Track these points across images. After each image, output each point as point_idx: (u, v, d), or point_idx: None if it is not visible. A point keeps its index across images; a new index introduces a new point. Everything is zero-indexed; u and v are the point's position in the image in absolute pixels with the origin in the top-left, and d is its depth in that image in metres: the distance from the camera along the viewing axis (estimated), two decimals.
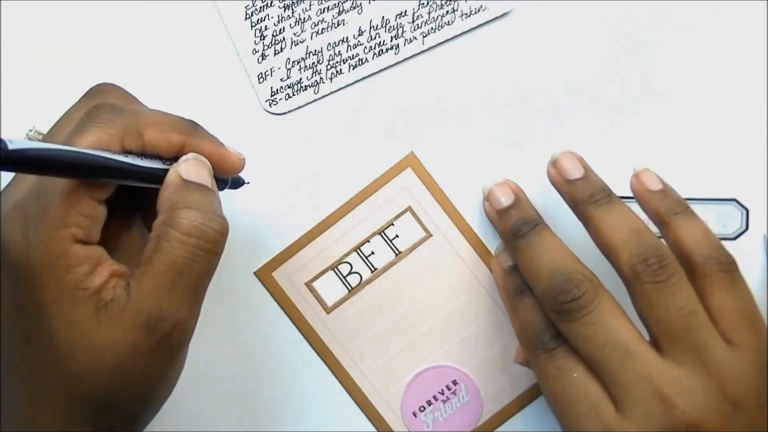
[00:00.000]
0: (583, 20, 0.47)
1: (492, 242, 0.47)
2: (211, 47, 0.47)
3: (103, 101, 0.36)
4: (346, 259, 0.47)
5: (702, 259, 0.39)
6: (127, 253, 0.37)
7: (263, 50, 0.47)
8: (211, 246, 0.35)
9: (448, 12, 0.46)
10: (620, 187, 0.46)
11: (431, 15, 0.47)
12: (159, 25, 0.47)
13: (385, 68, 0.47)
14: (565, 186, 0.43)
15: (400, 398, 0.47)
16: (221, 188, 0.40)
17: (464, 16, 0.46)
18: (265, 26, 0.47)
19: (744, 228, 0.47)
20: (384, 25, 0.47)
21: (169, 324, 0.34)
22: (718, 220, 0.47)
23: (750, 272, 0.47)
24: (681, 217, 0.41)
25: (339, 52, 0.47)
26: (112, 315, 0.34)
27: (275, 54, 0.47)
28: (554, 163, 0.43)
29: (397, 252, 0.47)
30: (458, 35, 0.47)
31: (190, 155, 0.37)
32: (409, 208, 0.47)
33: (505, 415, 0.47)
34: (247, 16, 0.47)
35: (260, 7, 0.47)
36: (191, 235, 0.35)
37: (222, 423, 0.47)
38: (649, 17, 0.47)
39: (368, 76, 0.47)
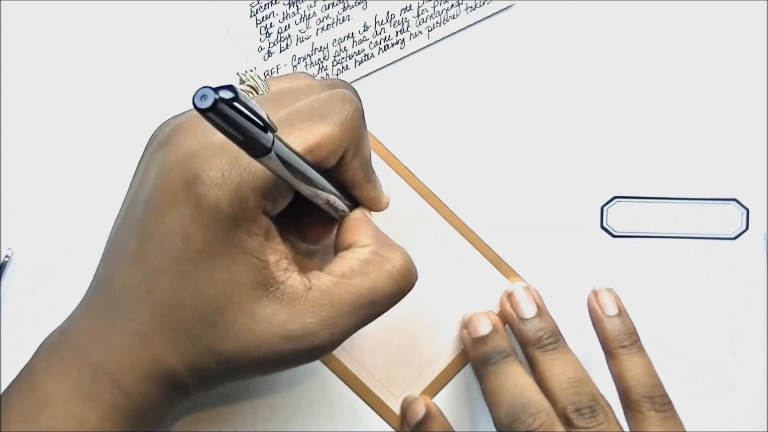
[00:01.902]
0: (585, 18, 0.47)
1: (433, 182, 0.47)
2: (217, 46, 0.47)
3: (351, 93, 0.36)
4: None
5: (638, 397, 0.42)
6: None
7: (269, 48, 0.47)
8: (408, 291, 0.37)
9: (453, 5, 0.47)
10: (620, 186, 0.47)
11: (436, 9, 0.47)
12: (164, 24, 0.47)
13: (391, 63, 0.47)
14: (517, 323, 0.45)
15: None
16: None
17: (469, 9, 0.47)
18: (270, 23, 0.47)
19: (744, 228, 0.47)
20: (389, 19, 0.47)
21: (326, 341, 0.35)
22: (718, 220, 0.47)
23: (750, 272, 0.47)
24: (627, 351, 0.43)
25: (344, 47, 0.47)
26: (282, 296, 0.34)
27: (281, 51, 0.47)
28: (509, 297, 0.46)
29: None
30: (464, 28, 0.47)
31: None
32: None
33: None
34: (252, 14, 0.47)
35: (265, 5, 0.47)
36: (402, 275, 0.36)
37: (222, 423, 0.46)
38: (649, 16, 0.47)
39: (374, 71, 0.47)
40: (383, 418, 0.47)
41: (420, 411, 0.45)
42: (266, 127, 0.29)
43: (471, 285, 0.47)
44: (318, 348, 0.35)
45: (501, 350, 0.44)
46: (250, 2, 0.47)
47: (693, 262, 0.47)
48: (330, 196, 0.36)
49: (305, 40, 0.47)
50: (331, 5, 0.47)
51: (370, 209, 0.40)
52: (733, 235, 0.47)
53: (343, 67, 0.47)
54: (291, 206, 0.36)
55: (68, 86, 0.47)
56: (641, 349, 0.43)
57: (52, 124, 0.47)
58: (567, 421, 0.41)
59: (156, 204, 0.34)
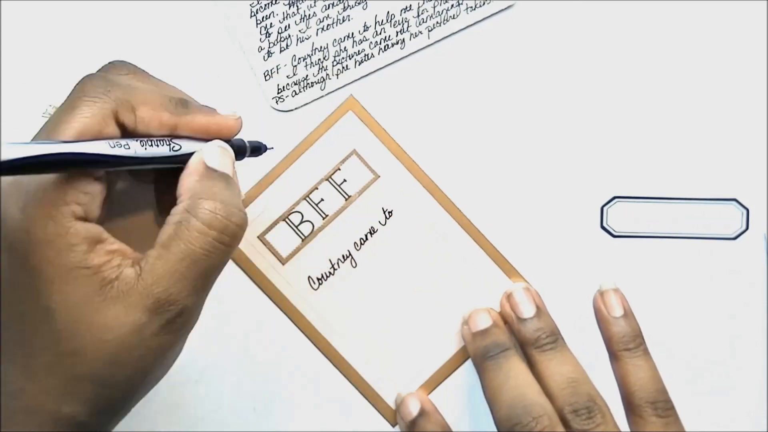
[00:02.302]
0: (585, 18, 0.47)
1: (440, 178, 0.47)
2: (217, 46, 0.47)
3: (89, 75, 0.36)
4: (296, 209, 0.47)
5: (641, 402, 0.42)
6: (128, 230, 0.37)
7: (269, 48, 0.47)
8: (229, 240, 0.35)
9: (453, 5, 0.47)
10: (620, 186, 0.47)
11: (436, 9, 0.47)
12: (164, 24, 0.47)
13: (391, 63, 0.47)
14: (516, 324, 0.45)
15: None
16: (240, 158, 0.40)
17: (469, 9, 0.47)
18: (270, 24, 0.47)
19: (744, 228, 0.47)
20: (389, 19, 0.47)
21: (176, 309, 0.34)
22: (718, 220, 0.47)
23: (750, 272, 0.47)
24: (632, 353, 0.43)
25: (345, 48, 0.47)
26: (118, 294, 0.34)
27: (281, 51, 0.47)
28: (509, 297, 0.46)
29: (346, 196, 0.47)
30: (464, 28, 0.47)
31: (215, 143, 0.38)
32: (354, 151, 0.47)
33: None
34: (252, 14, 0.47)
35: (265, 5, 0.47)
36: (212, 227, 0.35)
37: (221, 423, 0.47)
38: (649, 16, 0.47)
39: (374, 71, 0.47)
40: (381, 414, 0.47)
41: (414, 407, 0.46)
42: None
43: (472, 282, 0.47)
44: (173, 324, 0.34)
45: (500, 343, 0.44)
46: (250, 2, 0.47)
47: (693, 262, 0.47)
48: (145, 152, 0.35)
49: (305, 40, 0.47)
50: (331, 5, 0.47)
51: (224, 139, 0.38)
52: (733, 235, 0.47)
53: (343, 67, 0.47)
54: (162, 179, 0.36)
55: (69, 87, 0.47)
56: (646, 352, 0.43)
57: None
58: (564, 422, 0.41)
59: None
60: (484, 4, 0.47)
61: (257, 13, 0.47)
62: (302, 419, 0.47)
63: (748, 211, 0.47)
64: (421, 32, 0.47)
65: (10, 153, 0.31)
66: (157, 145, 0.36)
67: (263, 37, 0.47)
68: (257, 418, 0.47)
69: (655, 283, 0.47)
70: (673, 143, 0.47)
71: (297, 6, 0.47)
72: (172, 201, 0.36)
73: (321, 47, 0.47)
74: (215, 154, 0.37)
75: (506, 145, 0.47)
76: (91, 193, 0.34)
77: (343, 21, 0.47)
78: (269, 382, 0.47)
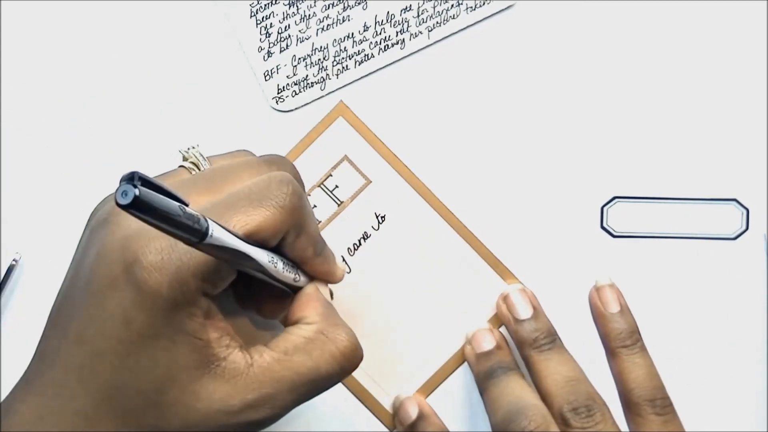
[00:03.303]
0: (586, 18, 0.47)
1: (433, 182, 0.47)
2: (217, 46, 0.47)
3: (289, 176, 0.36)
4: None
5: (639, 400, 0.42)
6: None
7: (269, 48, 0.47)
8: (350, 372, 0.37)
9: (453, 5, 0.47)
10: (620, 186, 0.47)
11: (436, 9, 0.47)
12: (164, 24, 0.47)
13: (391, 63, 0.47)
14: (513, 325, 0.45)
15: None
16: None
17: (469, 9, 0.47)
18: (270, 24, 0.47)
19: (744, 228, 0.47)
20: (389, 20, 0.47)
21: (269, 414, 0.35)
22: (718, 220, 0.47)
23: (750, 272, 0.47)
24: (629, 350, 0.43)
25: (345, 48, 0.47)
26: (223, 374, 0.34)
27: (281, 51, 0.47)
28: (505, 299, 0.46)
29: (338, 202, 0.47)
30: (464, 28, 0.47)
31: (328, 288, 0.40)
32: (345, 157, 0.47)
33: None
34: (252, 14, 0.47)
35: (265, 5, 0.47)
36: (345, 357, 0.36)
37: None
38: (649, 16, 0.47)
39: (374, 71, 0.47)
40: (377, 417, 0.47)
41: (413, 411, 0.46)
42: (189, 217, 0.29)
43: (467, 286, 0.47)
44: (257, 422, 0.35)
45: (504, 365, 0.44)
46: (250, 2, 0.47)
47: (693, 262, 0.47)
48: (280, 273, 0.36)
49: (305, 40, 0.47)
50: (331, 5, 0.47)
51: (326, 282, 0.40)
52: (733, 235, 0.47)
53: (343, 67, 0.47)
54: (247, 279, 0.36)
55: (69, 88, 0.47)
56: (643, 348, 0.43)
57: (55, 126, 0.47)
58: (563, 421, 0.41)
59: (96, 286, 0.34)
60: (484, 4, 0.47)
61: (257, 13, 0.47)
62: (300, 424, 0.47)
63: (748, 211, 0.47)
64: (421, 32, 0.47)
65: (217, 235, 0.31)
66: (289, 272, 0.37)
67: (263, 37, 0.47)
68: None
69: (655, 283, 0.47)
70: (673, 143, 0.47)
71: (297, 6, 0.47)
72: (249, 301, 0.38)
73: (321, 47, 0.47)
74: (327, 294, 0.39)
75: (506, 145, 0.47)
76: (225, 279, 0.35)
77: (343, 21, 0.47)
78: None
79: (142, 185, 0.27)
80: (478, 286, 0.47)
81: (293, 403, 0.36)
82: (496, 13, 0.47)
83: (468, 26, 0.47)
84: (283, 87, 0.47)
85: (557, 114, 0.47)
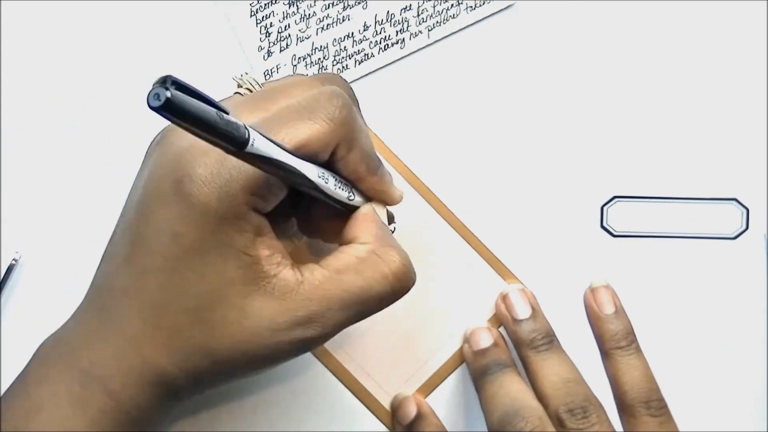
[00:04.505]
0: (586, 18, 0.47)
1: (433, 182, 0.47)
2: (217, 45, 0.47)
3: (340, 90, 0.36)
4: None
5: (634, 402, 0.42)
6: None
7: (269, 47, 0.47)
8: (401, 294, 0.37)
9: (453, 5, 0.47)
10: (620, 186, 0.47)
11: (436, 8, 0.47)
12: (164, 24, 0.47)
13: (391, 63, 0.47)
14: (511, 325, 0.45)
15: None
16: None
17: (469, 9, 0.47)
18: (270, 23, 0.47)
19: (744, 228, 0.47)
20: (389, 19, 0.47)
21: (319, 332, 0.35)
22: (718, 220, 0.47)
23: (750, 272, 0.47)
24: (624, 351, 0.43)
25: (344, 47, 0.47)
26: (273, 290, 0.34)
27: (281, 51, 0.47)
28: (504, 299, 0.46)
29: None
30: (464, 28, 0.47)
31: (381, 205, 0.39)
32: None
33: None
34: (252, 14, 0.47)
35: (265, 4, 0.47)
36: (397, 277, 0.36)
37: (218, 422, 0.47)
38: (649, 16, 0.47)
39: (374, 71, 0.47)
40: (377, 417, 0.47)
41: (411, 411, 0.46)
42: (229, 124, 0.29)
43: (467, 285, 0.47)
44: (307, 341, 0.35)
45: (500, 362, 0.44)
46: (250, 2, 0.47)
47: (693, 262, 0.47)
48: (331, 190, 0.36)
49: (305, 40, 0.47)
50: (331, 5, 0.47)
51: (384, 203, 0.39)
52: (733, 235, 0.47)
53: (343, 67, 0.47)
54: (308, 203, 0.36)
55: (69, 87, 0.47)
56: (638, 350, 0.43)
57: (55, 126, 0.47)
58: (559, 422, 0.41)
59: (146, 205, 0.34)
60: (484, 3, 0.47)
61: (257, 12, 0.47)
62: (299, 423, 0.47)
63: (748, 211, 0.47)
64: (421, 32, 0.47)
65: (259, 145, 0.31)
66: (343, 190, 0.37)
67: (263, 36, 0.47)
68: (256, 421, 0.47)
69: (655, 283, 0.47)
70: (673, 143, 0.47)
71: (297, 6, 0.47)
72: (310, 225, 0.38)
73: (321, 47, 0.47)
74: (384, 216, 0.39)
75: (506, 145, 0.47)
76: (276, 195, 0.35)
77: (343, 21, 0.47)
78: (267, 386, 0.47)
79: (176, 89, 0.27)
80: (478, 286, 0.47)
81: (342, 322, 0.35)
82: (496, 12, 0.47)
83: (468, 26, 0.47)
84: None
85: (557, 114, 0.47)
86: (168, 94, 0.26)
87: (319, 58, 0.47)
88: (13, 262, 0.46)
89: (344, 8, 0.47)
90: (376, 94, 0.47)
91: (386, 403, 0.47)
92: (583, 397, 0.41)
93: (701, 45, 0.47)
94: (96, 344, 0.35)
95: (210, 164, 0.33)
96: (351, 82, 0.47)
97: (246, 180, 0.33)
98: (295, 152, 0.34)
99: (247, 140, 0.30)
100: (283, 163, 0.32)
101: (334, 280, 0.35)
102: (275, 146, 0.32)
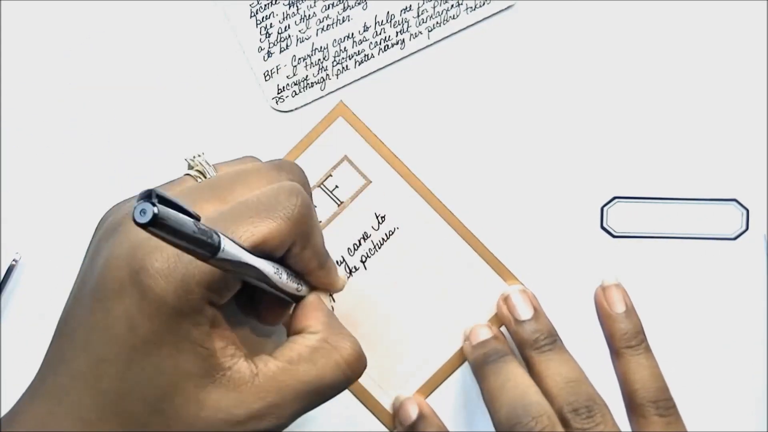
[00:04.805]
0: (586, 18, 0.47)
1: (433, 182, 0.47)
2: (217, 46, 0.47)
3: (299, 186, 0.36)
4: None
5: (643, 401, 0.42)
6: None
7: (269, 48, 0.47)
8: (353, 381, 0.37)
9: (453, 5, 0.47)
10: (620, 186, 0.47)
11: (436, 9, 0.47)
12: (164, 24, 0.47)
13: (391, 63, 0.47)
14: (513, 326, 0.45)
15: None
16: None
17: (469, 10, 0.47)
18: (270, 24, 0.47)
19: (744, 228, 0.47)
20: (389, 20, 0.47)
21: (274, 424, 0.35)
22: (718, 220, 0.47)
23: (750, 272, 0.47)
24: (634, 351, 0.43)
25: (344, 48, 0.47)
26: (228, 383, 0.34)
27: (281, 51, 0.47)
28: (506, 300, 0.46)
29: (338, 202, 0.47)
30: (464, 28, 0.47)
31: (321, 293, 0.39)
32: (345, 157, 0.47)
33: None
34: (252, 14, 0.47)
35: (265, 5, 0.47)
36: (350, 366, 0.36)
37: None
38: (649, 16, 0.47)
39: (374, 71, 0.47)
40: (377, 418, 0.47)
41: (413, 411, 0.46)
42: (203, 233, 0.29)
43: (467, 286, 0.47)
44: None
45: (500, 351, 0.44)
46: (250, 2, 0.47)
47: (693, 262, 0.47)
48: (284, 284, 0.36)
49: (305, 40, 0.47)
50: (331, 5, 0.47)
51: (327, 291, 0.40)
52: (733, 236, 0.47)
53: (343, 67, 0.47)
54: (249, 288, 0.36)
55: (69, 87, 0.47)
56: (648, 349, 0.43)
57: (55, 126, 0.47)
58: (564, 422, 0.41)
59: (103, 293, 0.34)
60: (484, 4, 0.47)
61: (257, 13, 0.47)
62: (299, 423, 0.47)
63: (748, 211, 0.47)
64: (421, 32, 0.47)
65: (228, 249, 0.31)
66: (294, 283, 0.37)
67: (263, 37, 0.47)
68: None
69: (655, 283, 0.47)
70: (673, 143, 0.47)
71: (297, 6, 0.47)
72: (250, 309, 0.38)
73: (321, 47, 0.47)
74: (329, 303, 0.40)
75: (506, 146, 0.47)
76: (230, 289, 0.35)
77: (343, 21, 0.47)
78: None
79: (159, 202, 0.27)
80: (478, 287, 0.47)
81: (297, 412, 0.36)
82: (496, 13, 0.47)
83: (468, 26, 0.47)
84: (283, 87, 0.47)
85: (557, 114, 0.47)
86: (155, 210, 0.27)
87: (319, 59, 0.47)
88: (13, 262, 0.46)
89: (344, 9, 0.47)
90: (376, 94, 0.47)
91: (386, 404, 0.47)
92: (587, 396, 0.41)
93: (701, 45, 0.47)
94: (51, 426, 0.35)
95: (167, 258, 0.33)
96: (351, 82, 0.47)
97: (202, 275, 0.33)
98: (253, 250, 0.34)
99: (218, 247, 0.30)
100: (246, 263, 0.33)
101: (288, 371, 0.35)
102: (239, 248, 0.32)
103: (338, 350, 0.36)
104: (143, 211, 0.27)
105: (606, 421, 0.41)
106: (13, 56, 0.47)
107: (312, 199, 0.38)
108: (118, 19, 0.47)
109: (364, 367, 0.37)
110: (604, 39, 0.47)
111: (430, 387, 0.47)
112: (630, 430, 0.43)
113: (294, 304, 0.38)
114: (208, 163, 0.38)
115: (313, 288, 0.39)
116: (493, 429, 0.41)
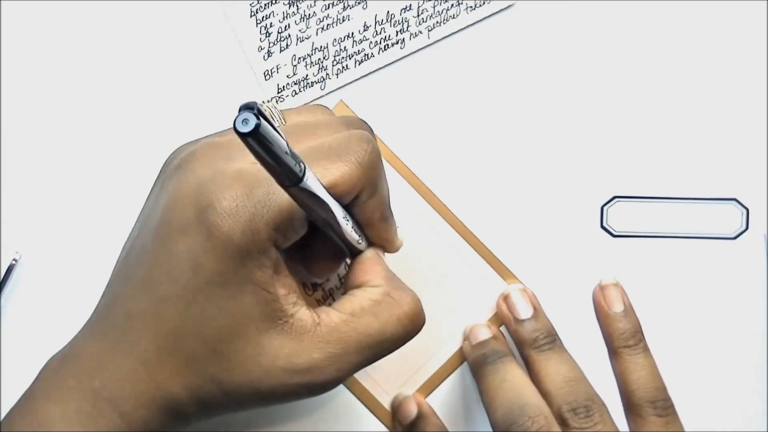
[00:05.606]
0: (586, 18, 0.47)
1: (433, 182, 0.47)
2: (217, 45, 0.47)
3: (369, 134, 0.37)
4: None
5: (641, 402, 0.42)
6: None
7: (269, 47, 0.47)
8: (414, 335, 0.37)
9: (453, 5, 0.47)
10: (620, 186, 0.47)
11: (436, 9, 0.47)
12: (164, 24, 0.47)
13: (391, 63, 0.47)
14: (513, 325, 0.45)
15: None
16: None
17: (469, 9, 0.47)
18: (270, 23, 0.47)
19: (744, 228, 0.47)
20: (389, 19, 0.47)
21: (332, 376, 0.35)
22: (718, 220, 0.47)
23: (750, 272, 0.47)
24: (632, 350, 0.43)
25: (344, 47, 0.47)
26: (290, 330, 0.34)
27: (281, 51, 0.47)
28: (506, 299, 0.46)
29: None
30: (464, 28, 0.47)
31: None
32: None
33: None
34: (252, 14, 0.47)
35: (265, 5, 0.47)
36: (411, 320, 0.37)
37: (219, 422, 0.47)
38: (649, 16, 0.47)
39: (374, 71, 0.47)
40: (377, 417, 0.47)
41: (412, 410, 0.46)
42: (293, 156, 0.29)
43: (467, 285, 0.47)
44: (322, 383, 0.35)
45: (499, 351, 0.44)
46: (250, 2, 0.47)
47: (693, 262, 0.47)
48: (348, 232, 0.36)
49: (305, 40, 0.47)
50: (331, 5, 0.47)
51: (383, 250, 0.40)
52: (733, 235, 0.47)
53: (343, 67, 0.47)
54: (300, 238, 0.36)
55: (69, 87, 0.47)
56: (646, 349, 0.43)
57: (55, 126, 0.47)
58: (562, 421, 0.41)
59: (167, 231, 0.34)
60: (484, 3, 0.47)
61: (257, 13, 0.47)
62: (299, 422, 0.47)
63: (748, 211, 0.47)
64: (421, 32, 0.47)
65: (310, 182, 0.31)
66: (356, 234, 0.37)
67: (263, 37, 0.47)
68: (256, 421, 0.47)
69: (655, 283, 0.47)
70: (673, 143, 0.47)
71: (297, 6, 0.47)
72: (304, 263, 0.38)
73: (321, 47, 0.47)
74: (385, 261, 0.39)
75: (506, 145, 0.47)
76: (297, 232, 0.35)
77: (343, 21, 0.47)
78: None
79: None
80: (478, 286, 0.47)
81: (357, 365, 0.36)
82: (496, 12, 0.47)
83: (468, 26, 0.47)
84: (283, 86, 0.47)
85: (557, 114, 0.47)
86: (258, 121, 0.26)
87: (319, 59, 0.47)
88: (13, 262, 0.46)
89: (344, 8, 0.47)
90: (376, 94, 0.47)
91: (386, 403, 0.47)
92: (586, 396, 0.41)
93: (701, 45, 0.47)
94: (109, 365, 0.35)
95: (235, 197, 0.33)
96: (351, 82, 0.47)
97: (270, 216, 0.33)
98: (329, 189, 0.34)
99: (303, 176, 0.30)
100: (322, 200, 0.32)
101: (350, 323, 0.35)
102: (319, 183, 0.32)
103: (400, 305, 0.36)
104: (245, 121, 0.26)
105: (604, 421, 0.41)
106: (13, 56, 0.47)
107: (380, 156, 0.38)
108: (118, 19, 0.47)
109: (423, 322, 0.37)
110: (604, 39, 0.47)
111: (429, 386, 0.47)
112: (628, 429, 0.43)
113: (346, 260, 0.38)
114: (277, 109, 0.38)
115: (370, 244, 0.39)
116: (490, 429, 0.41)
